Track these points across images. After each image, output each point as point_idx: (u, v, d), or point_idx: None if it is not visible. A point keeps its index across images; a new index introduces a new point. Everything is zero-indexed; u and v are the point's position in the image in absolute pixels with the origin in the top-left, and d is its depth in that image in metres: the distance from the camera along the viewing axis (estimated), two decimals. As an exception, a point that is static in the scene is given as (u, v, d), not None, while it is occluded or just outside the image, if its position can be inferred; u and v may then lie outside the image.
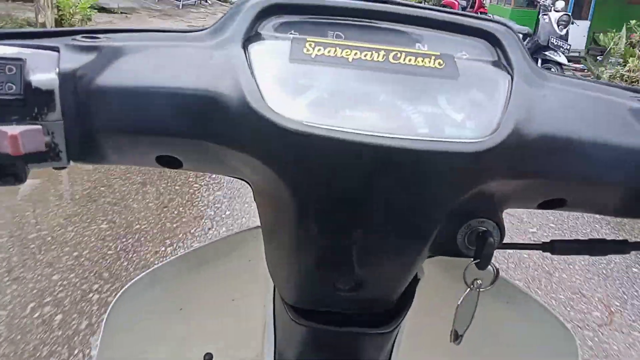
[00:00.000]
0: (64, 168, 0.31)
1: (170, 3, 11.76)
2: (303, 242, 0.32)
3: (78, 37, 0.30)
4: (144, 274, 0.50)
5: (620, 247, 0.39)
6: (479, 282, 0.38)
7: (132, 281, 0.49)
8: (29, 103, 0.28)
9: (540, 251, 0.40)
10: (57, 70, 0.28)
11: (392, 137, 0.28)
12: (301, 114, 0.29)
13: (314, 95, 0.30)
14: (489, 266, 0.34)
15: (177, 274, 0.51)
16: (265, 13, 0.32)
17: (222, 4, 12.53)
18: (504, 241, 0.34)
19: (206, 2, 10.02)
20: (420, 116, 0.30)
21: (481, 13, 9.73)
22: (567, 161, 0.31)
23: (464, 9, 10.31)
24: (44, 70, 0.28)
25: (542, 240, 0.39)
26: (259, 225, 0.39)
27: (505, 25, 0.35)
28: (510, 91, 0.31)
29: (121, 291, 0.49)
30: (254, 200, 0.37)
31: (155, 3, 11.32)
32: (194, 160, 0.33)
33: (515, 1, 10.40)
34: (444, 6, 10.32)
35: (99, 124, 0.29)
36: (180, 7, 11.44)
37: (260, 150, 0.29)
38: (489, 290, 0.38)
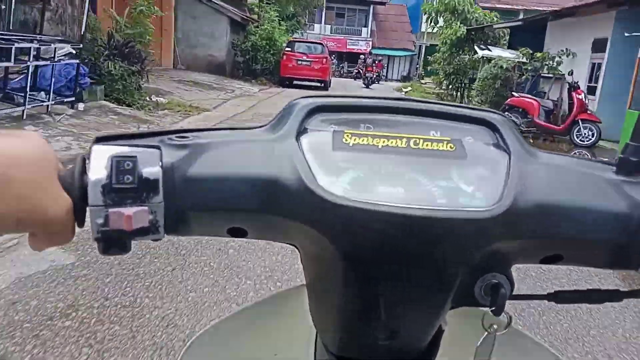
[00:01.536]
0: (159, 240, 0.37)
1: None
2: (347, 297, 0.38)
3: (173, 136, 0.38)
4: (202, 331, 0.59)
5: (615, 295, 0.43)
6: (495, 327, 0.42)
7: (191, 340, 0.58)
8: (140, 190, 0.34)
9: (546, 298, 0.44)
10: (161, 164, 0.35)
11: (418, 208, 0.34)
12: (345, 190, 0.35)
13: (354, 175, 0.37)
14: (503, 314, 0.39)
15: (235, 331, 0.60)
16: (310, 113, 0.40)
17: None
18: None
19: (72, 108, 6.19)
20: (438, 189, 0.36)
21: (588, 121, 8.26)
22: (558, 224, 0.37)
23: (549, 111, 9.06)
24: (151, 165, 0.35)
25: (547, 292, 0.44)
26: (303, 283, 0.45)
27: (501, 115, 0.42)
28: (509, 168, 0.38)
29: (184, 348, 0.57)
30: (301, 262, 0.43)
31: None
32: (258, 230, 0.40)
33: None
34: (511, 106, 8.61)
35: (190, 204, 0.36)
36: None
37: (314, 221, 0.36)
38: (505, 339, 0.43)
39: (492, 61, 12.48)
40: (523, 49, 11.60)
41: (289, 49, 16.24)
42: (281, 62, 16.00)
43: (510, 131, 0.40)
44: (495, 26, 15.29)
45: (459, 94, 16.21)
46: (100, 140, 0.36)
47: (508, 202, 0.35)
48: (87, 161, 0.35)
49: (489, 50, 13.59)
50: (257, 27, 16.41)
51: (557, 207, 0.37)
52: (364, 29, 38.87)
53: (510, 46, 14.20)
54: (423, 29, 40.09)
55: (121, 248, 0.35)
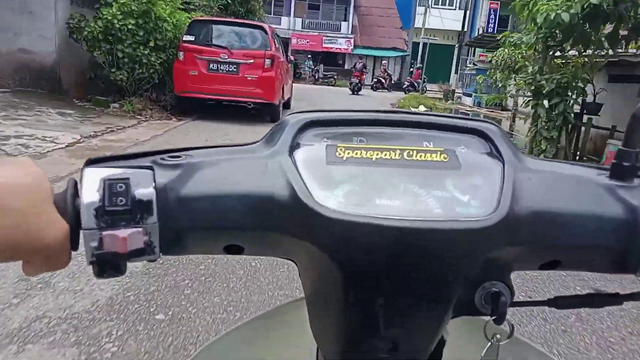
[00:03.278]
0: (154, 260, 0.36)
1: None
2: (346, 310, 0.38)
3: (165, 156, 0.38)
4: (203, 347, 0.61)
5: (615, 299, 0.43)
6: (498, 336, 0.43)
7: (192, 356, 0.60)
8: (134, 211, 0.34)
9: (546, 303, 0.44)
10: (154, 185, 0.35)
11: (414, 220, 0.34)
12: (341, 204, 0.35)
13: (348, 189, 0.36)
14: (505, 322, 0.39)
15: (236, 345, 0.62)
16: (303, 128, 0.40)
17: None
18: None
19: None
20: (434, 200, 0.36)
21: None
22: (555, 230, 0.37)
23: None
24: (144, 186, 0.35)
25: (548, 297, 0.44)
26: (303, 297, 0.44)
27: (493, 124, 0.42)
28: (503, 176, 0.38)
29: None
30: (299, 277, 0.43)
31: None
32: (255, 246, 0.40)
33: None
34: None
35: (185, 224, 0.36)
36: None
37: (310, 236, 0.36)
38: (508, 348, 0.43)
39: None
40: None
41: (191, 39, 7.54)
42: (175, 67, 7.54)
43: (503, 140, 0.41)
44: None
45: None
46: (91, 162, 0.36)
47: (505, 209, 0.35)
48: (78, 184, 0.35)
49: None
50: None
51: (553, 213, 0.37)
52: (343, 24, 31.05)
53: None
54: (418, 24, 32.70)
55: (116, 270, 0.35)
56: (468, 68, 21.05)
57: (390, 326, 0.38)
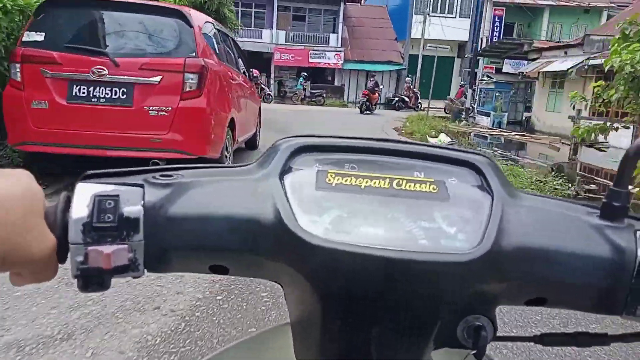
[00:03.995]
0: (139, 277, 0.36)
1: None
2: (328, 337, 0.38)
3: (157, 175, 0.38)
4: None
5: (602, 339, 0.42)
6: None
7: None
8: (120, 228, 0.34)
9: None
10: (143, 203, 0.36)
11: (398, 250, 0.34)
12: (326, 231, 0.35)
13: (335, 216, 0.36)
14: (485, 357, 0.39)
15: None
16: (295, 152, 0.40)
17: None
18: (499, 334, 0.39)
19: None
20: (420, 230, 0.36)
21: None
22: (541, 267, 0.37)
23: None
24: (132, 204, 0.35)
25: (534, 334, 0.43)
26: (287, 322, 0.45)
27: (486, 157, 0.41)
28: (491, 210, 0.38)
29: None
30: (285, 299, 0.42)
31: None
32: (240, 268, 0.40)
33: None
34: None
35: (171, 242, 0.36)
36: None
37: (293, 261, 0.36)
38: None
39: None
40: None
41: (39, 38, 3.69)
42: (6, 94, 3.73)
43: (494, 173, 0.41)
44: None
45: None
46: (85, 177, 0.37)
47: (489, 244, 0.35)
48: (71, 199, 0.35)
49: None
50: None
51: (539, 250, 0.37)
52: (332, 36, 27.69)
53: None
54: (414, 34, 29.45)
55: (100, 285, 0.35)
56: (484, 82, 17.51)
57: (372, 354, 0.38)
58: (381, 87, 23.55)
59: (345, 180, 0.39)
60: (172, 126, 3.87)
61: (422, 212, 0.37)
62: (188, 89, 3.91)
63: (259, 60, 27.51)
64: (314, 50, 26.97)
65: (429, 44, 22.76)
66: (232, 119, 4.81)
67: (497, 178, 0.40)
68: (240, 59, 6.31)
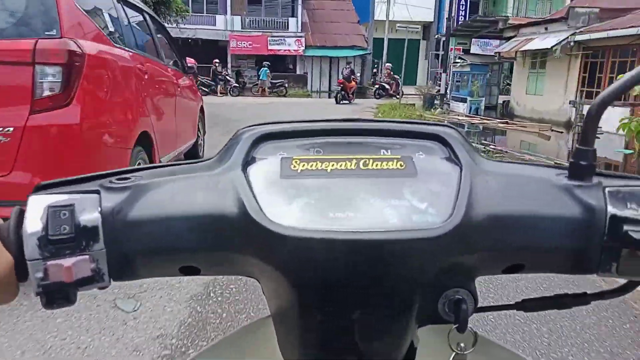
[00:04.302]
0: (105, 288, 0.35)
1: None
2: (309, 326, 0.37)
3: (113, 179, 0.37)
4: None
5: (582, 299, 0.42)
6: (462, 345, 0.42)
7: None
8: (78, 239, 0.33)
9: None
10: (100, 209, 0.34)
11: (369, 232, 0.33)
12: (294, 220, 0.34)
13: (302, 203, 0.35)
14: (469, 330, 0.39)
15: None
16: (258, 141, 0.39)
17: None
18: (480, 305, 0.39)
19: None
20: (390, 209, 0.35)
21: None
22: (514, 234, 0.36)
23: None
24: (89, 212, 0.34)
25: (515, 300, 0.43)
26: (269, 315, 0.43)
27: (453, 128, 0.41)
28: (460, 181, 0.37)
29: None
30: (263, 293, 0.41)
31: None
32: (211, 266, 0.38)
33: None
34: None
35: (134, 248, 0.35)
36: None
37: (263, 254, 0.35)
38: (476, 353, 0.42)
39: None
40: None
41: None
42: None
43: (462, 144, 0.40)
44: None
45: None
46: (38, 189, 0.35)
47: (459, 216, 0.35)
48: (24, 213, 0.34)
49: None
50: None
51: (511, 217, 0.37)
52: (291, 21, 25.94)
53: None
54: (377, 15, 27.95)
55: (66, 300, 0.34)
56: (459, 64, 16.17)
57: (354, 339, 0.37)
58: (357, 75, 22.10)
59: (311, 166, 0.38)
60: (16, 161, 2.19)
61: (390, 190, 0.37)
62: (45, 93, 2.24)
63: (214, 49, 25.45)
64: (272, 36, 25.10)
65: (398, 25, 21.31)
66: (145, 133, 3.16)
67: (464, 148, 0.40)
68: (170, 46, 4.62)
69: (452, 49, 23.79)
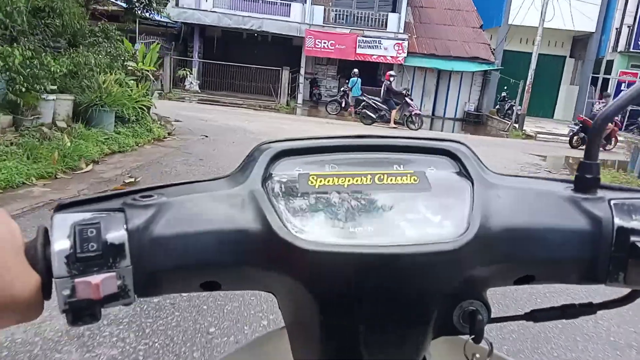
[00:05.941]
0: (130, 304, 0.35)
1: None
2: (327, 338, 0.38)
3: (137, 196, 0.37)
4: None
5: (588, 309, 0.43)
6: (477, 356, 0.43)
7: None
8: (106, 256, 0.34)
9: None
10: (126, 227, 0.35)
11: (387, 245, 0.35)
12: (316, 234, 0.35)
13: (323, 218, 0.37)
14: (484, 341, 0.39)
15: None
16: (275, 158, 0.40)
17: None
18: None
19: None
20: (406, 223, 0.37)
21: None
22: (526, 246, 0.38)
23: None
24: (115, 229, 0.34)
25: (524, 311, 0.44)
26: (283, 326, 0.44)
27: (462, 144, 0.42)
28: (473, 195, 0.38)
29: None
30: (279, 307, 0.42)
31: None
32: (232, 281, 0.39)
33: None
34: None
35: (159, 264, 0.36)
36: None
37: (285, 268, 0.36)
38: None
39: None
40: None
41: None
42: None
43: (471, 159, 0.41)
44: None
45: None
46: (60, 208, 0.35)
47: (475, 229, 0.36)
48: (49, 231, 0.34)
49: None
50: None
51: (522, 229, 0.38)
52: (391, 17, 18.70)
53: None
54: (513, 19, 20.29)
55: (91, 317, 0.34)
56: None
57: (371, 352, 0.38)
58: (509, 102, 14.51)
59: (328, 181, 0.39)
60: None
61: (406, 204, 0.38)
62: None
63: (285, 49, 18.82)
64: (364, 35, 18.05)
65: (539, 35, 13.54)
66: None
67: (474, 162, 0.41)
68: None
69: (622, 72, 15.68)
